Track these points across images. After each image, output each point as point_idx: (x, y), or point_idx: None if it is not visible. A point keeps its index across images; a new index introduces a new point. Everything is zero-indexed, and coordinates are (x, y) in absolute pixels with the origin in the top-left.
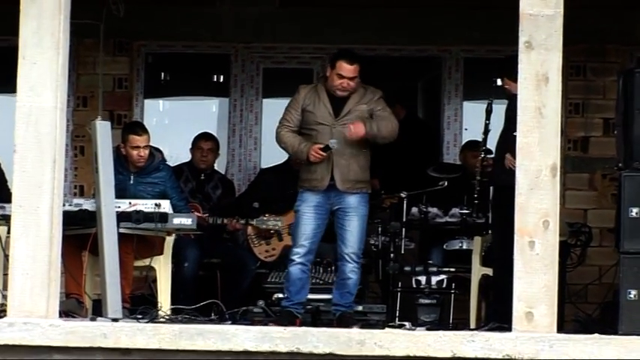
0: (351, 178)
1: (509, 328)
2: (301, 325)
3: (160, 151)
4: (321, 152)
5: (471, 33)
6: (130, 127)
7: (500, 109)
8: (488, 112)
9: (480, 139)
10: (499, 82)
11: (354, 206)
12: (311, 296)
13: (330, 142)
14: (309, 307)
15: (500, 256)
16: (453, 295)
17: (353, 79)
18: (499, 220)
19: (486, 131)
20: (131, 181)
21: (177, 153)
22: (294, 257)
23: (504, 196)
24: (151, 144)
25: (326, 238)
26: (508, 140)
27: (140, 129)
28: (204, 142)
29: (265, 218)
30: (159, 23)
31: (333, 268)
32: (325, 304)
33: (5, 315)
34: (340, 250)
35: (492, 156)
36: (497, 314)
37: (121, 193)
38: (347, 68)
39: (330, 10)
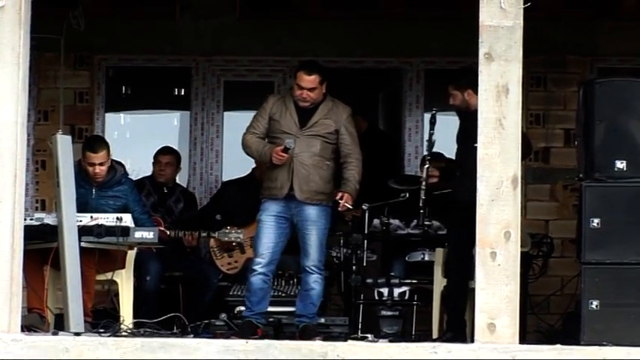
0: (311, 189)
1: (464, 339)
2: (262, 335)
3: (122, 165)
4: (281, 153)
5: (431, 44)
6: (87, 142)
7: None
8: (432, 123)
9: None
10: (456, 95)
11: (313, 219)
12: (274, 309)
13: (286, 142)
14: (271, 319)
15: (458, 268)
16: (415, 306)
17: (312, 90)
18: (459, 232)
19: (431, 142)
20: (93, 195)
21: (139, 167)
22: (256, 267)
23: (469, 210)
24: (113, 157)
25: (288, 250)
26: (471, 154)
27: (97, 146)
28: (162, 156)
29: (227, 231)
30: (119, 37)
31: (295, 280)
32: (288, 316)
33: None
34: (302, 262)
35: (443, 165)
36: (452, 325)
37: (83, 206)
38: (305, 79)
39: (290, 22)
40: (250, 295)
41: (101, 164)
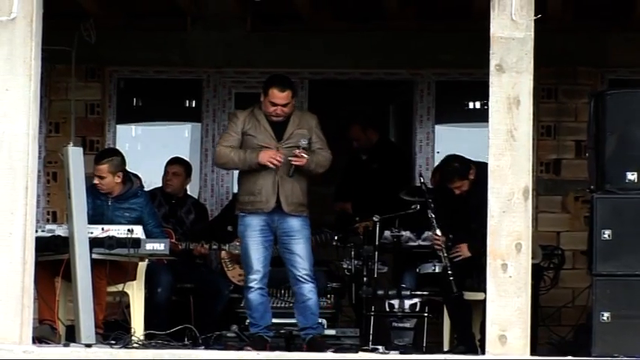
0: (295, 201)
1: (475, 351)
2: (273, 347)
3: (138, 177)
4: (303, 154)
5: (442, 56)
6: (98, 153)
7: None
8: (424, 190)
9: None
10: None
11: (298, 229)
12: (283, 320)
13: (300, 142)
14: (282, 331)
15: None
16: (426, 318)
17: (286, 106)
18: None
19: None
20: (109, 207)
21: (151, 178)
22: (252, 284)
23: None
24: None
25: (279, 262)
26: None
27: (101, 158)
28: (170, 166)
29: (238, 243)
30: (130, 49)
31: (289, 292)
32: (297, 327)
33: None
34: (293, 274)
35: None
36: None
37: (99, 218)
38: (279, 95)
39: (301, 34)
40: (252, 311)
41: (101, 177)
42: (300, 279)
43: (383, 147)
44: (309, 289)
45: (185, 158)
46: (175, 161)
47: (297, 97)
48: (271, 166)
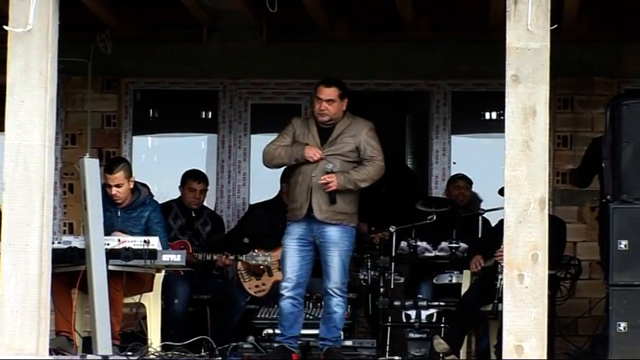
0: (331, 209)
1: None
2: None
3: (147, 187)
4: (325, 179)
5: (458, 67)
6: (106, 164)
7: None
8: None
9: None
10: None
11: (335, 240)
12: (303, 331)
13: (326, 167)
14: (299, 342)
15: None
16: (443, 329)
17: (330, 103)
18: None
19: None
20: (119, 217)
21: (167, 190)
22: (283, 292)
23: None
24: (139, 180)
25: (315, 272)
26: None
27: (113, 167)
28: (196, 184)
29: (255, 254)
30: (146, 60)
31: (322, 303)
32: (315, 339)
33: None
34: (324, 285)
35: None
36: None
37: (109, 229)
38: (324, 91)
39: (317, 45)
40: (282, 319)
41: (118, 186)
42: (330, 291)
43: (391, 171)
44: (336, 303)
45: (202, 170)
46: (200, 177)
47: (347, 99)
48: (312, 160)
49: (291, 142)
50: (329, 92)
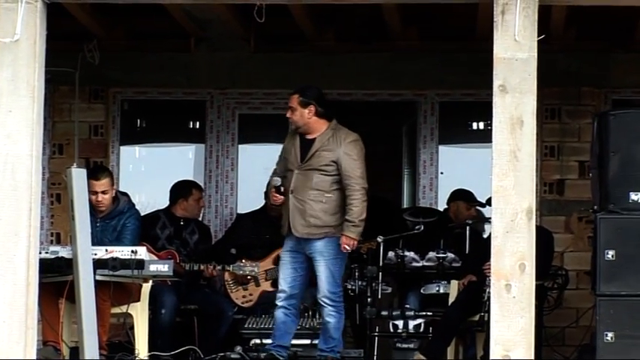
0: (311, 224)
1: None
2: None
3: (127, 195)
4: (276, 194)
5: (446, 77)
6: (90, 171)
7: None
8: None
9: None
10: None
11: (320, 250)
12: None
13: (273, 179)
14: (288, 351)
15: None
16: (430, 339)
17: (292, 111)
18: None
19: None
20: (98, 227)
21: (155, 200)
22: (277, 302)
23: None
24: (125, 190)
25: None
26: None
27: (99, 173)
28: (200, 193)
29: (242, 264)
30: (134, 70)
31: (310, 313)
32: (303, 348)
33: None
34: (317, 296)
35: None
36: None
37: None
38: (290, 98)
39: (304, 55)
40: (275, 328)
41: (103, 192)
42: (320, 301)
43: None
44: (327, 313)
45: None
46: (200, 187)
47: (312, 106)
48: (277, 203)
49: (284, 161)
50: (291, 100)
